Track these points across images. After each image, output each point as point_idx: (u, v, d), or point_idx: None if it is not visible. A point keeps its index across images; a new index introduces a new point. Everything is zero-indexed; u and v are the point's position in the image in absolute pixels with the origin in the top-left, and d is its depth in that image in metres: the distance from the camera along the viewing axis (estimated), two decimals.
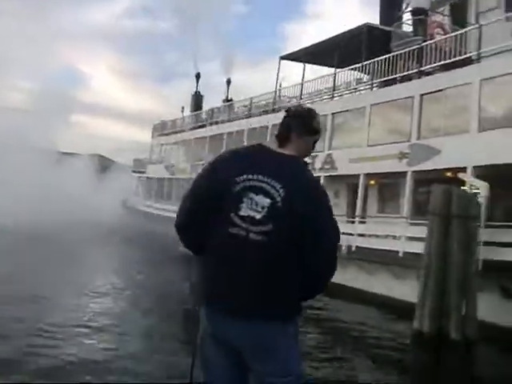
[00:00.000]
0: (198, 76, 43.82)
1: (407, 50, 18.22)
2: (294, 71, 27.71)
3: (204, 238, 2.81)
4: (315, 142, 2.98)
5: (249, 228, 2.69)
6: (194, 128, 34.55)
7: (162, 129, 41.32)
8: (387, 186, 19.96)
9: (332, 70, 23.76)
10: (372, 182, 19.87)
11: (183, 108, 42.22)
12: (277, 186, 2.69)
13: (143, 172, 42.45)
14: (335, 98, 21.97)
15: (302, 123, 2.89)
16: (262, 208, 2.69)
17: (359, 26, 20.92)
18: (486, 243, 12.81)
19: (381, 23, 23.58)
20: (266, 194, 2.69)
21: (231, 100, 40.02)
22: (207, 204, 2.79)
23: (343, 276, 16.40)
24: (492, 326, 11.74)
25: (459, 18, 19.57)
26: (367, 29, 20.51)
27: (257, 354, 2.75)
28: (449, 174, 15.92)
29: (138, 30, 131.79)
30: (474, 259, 12.21)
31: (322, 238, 2.74)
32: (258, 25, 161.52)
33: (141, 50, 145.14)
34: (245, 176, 2.74)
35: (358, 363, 11.15)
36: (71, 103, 62.37)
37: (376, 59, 19.34)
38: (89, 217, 32.20)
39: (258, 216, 2.68)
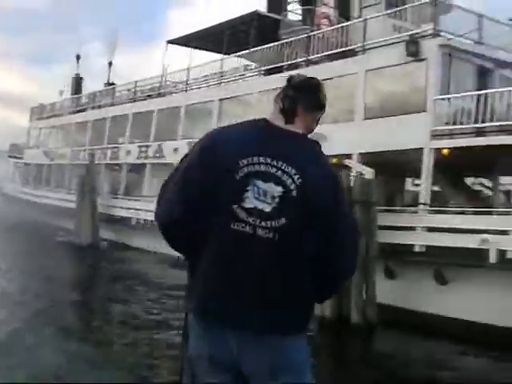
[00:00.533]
0: (78, 57, 42.20)
1: (295, 38, 18.44)
2: (182, 56, 26.90)
3: (201, 238, 2.26)
4: (319, 118, 2.50)
5: (256, 223, 2.20)
6: (74, 112, 33.08)
7: (40, 112, 39.28)
8: None
9: (220, 56, 23.77)
10: None
11: (62, 92, 40.53)
12: (291, 172, 2.22)
13: (20, 157, 40.27)
14: (222, 85, 21.81)
15: (311, 96, 2.41)
16: (272, 198, 2.20)
17: (249, 13, 20.95)
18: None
19: (269, 11, 23.84)
20: (277, 182, 2.21)
21: (113, 84, 38.90)
22: (205, 193, 2.24)
23: None
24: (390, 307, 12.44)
25: (344, 10, 20.14)
26: (257, 16, 20.56)
27: (271, 378, 2.24)
28: (335, 160, 16.41)
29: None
30: (375, 243, 12.92)
31: (343, 234, 2.32)
32: (145, 7, 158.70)
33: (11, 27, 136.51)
34: (250, 159, 2.23)
35: None
36: None
37: (264, 46, 19.44)
38: None
39: (268, 208, 2.20)
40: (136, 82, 27.40)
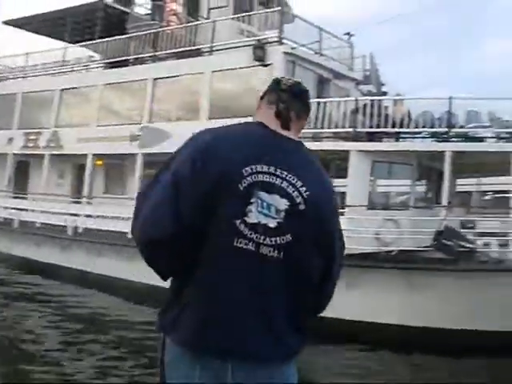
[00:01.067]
0: None
1: (143, 33, 18.27)
2: (17, 40, 25.06)
3: (195, 257, 1.98)
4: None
5: (260, 240, 1.96)
6: None
7: None
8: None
9: (61, 43, 22.83)
10: (99, 163, 19.48)
11: None
12: (297, 184, 2.01)
13: None
14: (64, 75, 20.95)
15: (303, 102, 2.22)
16: (277, 212, 1.98)
17: (94, 2, 20.33)
18: None
19: (116, 2, 23.40)
20: (283, 194, 1.99)
21: None
22: (202, 205, 1.95)
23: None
24: None
25: (193, 10, 20.28)
26: (103, 6, 20.05)
27: None
28: None
29: None
30: None
31: (336, 247, 2.15)
32: None
33: None
34: (254, 167, 1.98)
35: None
36: None
37: (110, 39, 18.98)
38: None
39: (272, 223, 1.97)
40: None
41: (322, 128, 14.00)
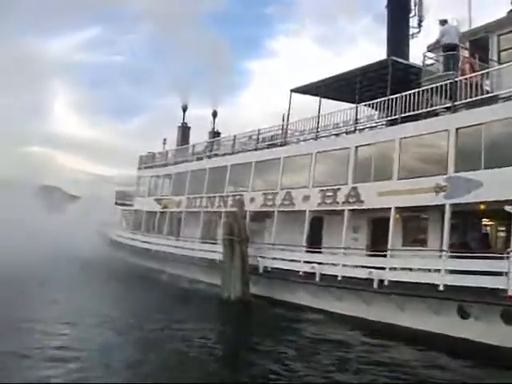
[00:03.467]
0: (184, 108, 43.98)
1: (440, 83, 18.36)
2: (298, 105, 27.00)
3: None
4: None
5: None
6: (191, 160, 33.97)
7: (149, 161, 40.69)
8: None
9: (345, 104, 24.11)
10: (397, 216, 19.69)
11: (165, 140, 42.06)
12: None
13: (128, 204, 41.62)
14: (357, 132, 21.90)
15: None
16: None
17: (383, 60, 21.17)
18: None
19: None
20: None
21: (218, 132, 40.19)
22: None
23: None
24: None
25: (481, 54, 19.93)
26: (392, 62, 20.63)
27: None
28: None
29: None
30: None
31: None
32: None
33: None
34: None
35: None
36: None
37: (408, 92, 19.37)
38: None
39: None
40: (259, 129, 27.89)
41: None
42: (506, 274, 14.67)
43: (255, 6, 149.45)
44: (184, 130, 42.67)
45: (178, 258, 29.32)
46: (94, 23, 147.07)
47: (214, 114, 42.90)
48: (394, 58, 21.16)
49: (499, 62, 19.55)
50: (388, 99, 20.22)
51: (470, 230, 19.11)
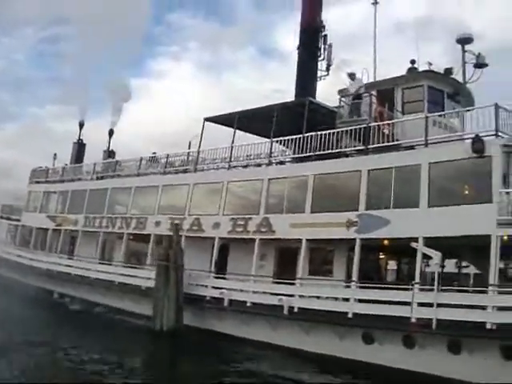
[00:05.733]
0: (81, 124, 43.43)
1: (355, 127, 20.03)
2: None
3: None
4: None
5: None
6: (93, 179, 33.48)
7: (41, 176, 39.43)
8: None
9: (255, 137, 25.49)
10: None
11: (55, 155, 41.10)
12: None
13: (14, 219, 39.95)
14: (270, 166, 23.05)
15: None
16: None
17: (301, 100, 22.61)
18: None
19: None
20: None
21: (113, 151, 40.09)
22: None
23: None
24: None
25: (387, 103, 21.97)
26: (308, 103, 22.08)
27: None
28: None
29: None
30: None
31: None
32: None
33: None
34: None
35: None
36: None
37: (325, 132, 20.89)
38: None
39: None
40: (167, 154, 28.32)
41: None
42: (410, 303, 16.30)
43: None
44: (80, 147, 42.01)
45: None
46: None
47: (111, 133, 42.76)
48: (311, 99, 22.72)
49: (403, 112, 21.75)
50: (303, 136, 21.56)
51: (370, 262, 20.82)
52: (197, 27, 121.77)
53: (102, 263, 28.66)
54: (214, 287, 22.01)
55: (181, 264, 22.03)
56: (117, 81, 47.29)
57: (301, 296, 19.40)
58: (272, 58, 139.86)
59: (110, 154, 40.49)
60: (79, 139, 42.57)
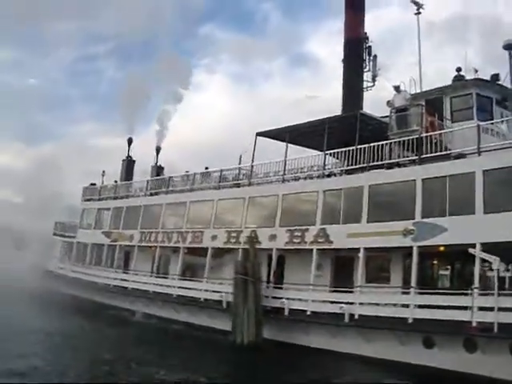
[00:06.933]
0: (130, 141, 44.57)
1: (408, 138, 20.71)
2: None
3: None
4: None
5: None
6: (147, 195, 34.71)
7: (93, 193, 40.89)
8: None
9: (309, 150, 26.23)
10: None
11: (104, 172, 42.58)
12: None
13: (70, 236, 41.40)
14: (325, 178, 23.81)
15: None
16: None
17: (353, 113, 23.41)
18: None
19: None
20: None
21: (161, 167, 41.28)
22: None
23: None
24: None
25: (436, 112, 22.50)
26: (360, 116, 22.82)
27: None
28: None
29: None
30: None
31: None
32: None
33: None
34: None
35: None
36: None
37: (377, 143, 21.63)
38: None
39: None
40: (221, 169, 29.35)
41: None
42: (471, 308, 16.81)
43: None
44: (128, 164, 43.31)
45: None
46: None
47: (158, 150, 44.03)
48: (362, 112, 23.54)
49: (452, 121, 22.27)
50: (356, 148, 22.28)
51: (426, 268, 21.33)
52: (228, 40, 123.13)
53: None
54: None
55: (259, 277, 22.12)
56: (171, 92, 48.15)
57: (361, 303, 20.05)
58: (304, 66, 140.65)
59: (158, 169, 41.62)
60: (128, 156, 43.77)
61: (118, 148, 45.78)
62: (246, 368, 18.86)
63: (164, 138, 45.36)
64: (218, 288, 25.52)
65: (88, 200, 41.02)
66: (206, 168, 31.95)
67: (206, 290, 26.17)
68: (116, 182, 40.98)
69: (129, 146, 44.22)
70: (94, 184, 42.25)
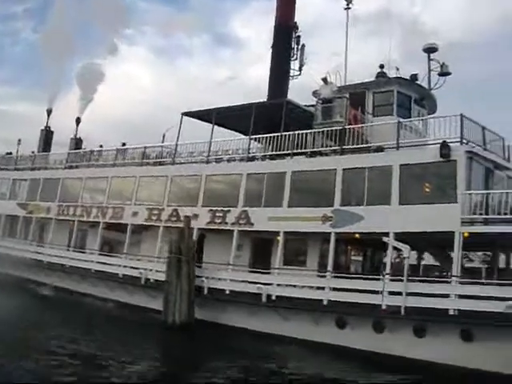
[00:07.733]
0: (49, 112, 43.27)
1: (331, 129, 21.63)
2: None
3: None
4: None
5: None
6: (67, 167, 34.01)
7: (9, 163, 39.56)
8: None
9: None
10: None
11: (20, 140, 41.35)
12: None
13: None
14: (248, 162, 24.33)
15: None
16: None
17: (280, 100, 24.03)
18: None
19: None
20: None
21: (80, 139, 40.38)
22: None
23: None
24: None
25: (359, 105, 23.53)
26: (286, 104, 23.51)
27: None
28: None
29: None
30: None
31: None
32: None
33: None
34: None
35: None
36: None
37: (302, 131, 22.37)
38: None
39: None
40: (145, 146, 29.30)
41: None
42: (381, 292, 17.97)
43: None
44: (47, 134, 42.16)
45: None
46: None
47: (78, 121, 42.78)
48: (289, 100, 24.25)
49: (373, 115, 23.38)
50: (280, 135, 22.93)
51: (341, 254, 22.46)
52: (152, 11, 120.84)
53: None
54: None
55: (193, 256, 21.96)
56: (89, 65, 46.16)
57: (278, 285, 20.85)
58: (227, 46, 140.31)
59: (77, 141, 40.67)
60: (47, 126, 42.58)
61: (37, 115, 44.11)
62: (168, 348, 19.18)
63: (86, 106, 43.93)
64: (136, 264, 25.63)
65: (2, 169, 39.59)
66: (124, 144, 31.78)
67: (125, 266, 26.16)
68: (33, 152, 39.77)
69: (48, 117, 42.96)
70: (10, 153, 40.87)
